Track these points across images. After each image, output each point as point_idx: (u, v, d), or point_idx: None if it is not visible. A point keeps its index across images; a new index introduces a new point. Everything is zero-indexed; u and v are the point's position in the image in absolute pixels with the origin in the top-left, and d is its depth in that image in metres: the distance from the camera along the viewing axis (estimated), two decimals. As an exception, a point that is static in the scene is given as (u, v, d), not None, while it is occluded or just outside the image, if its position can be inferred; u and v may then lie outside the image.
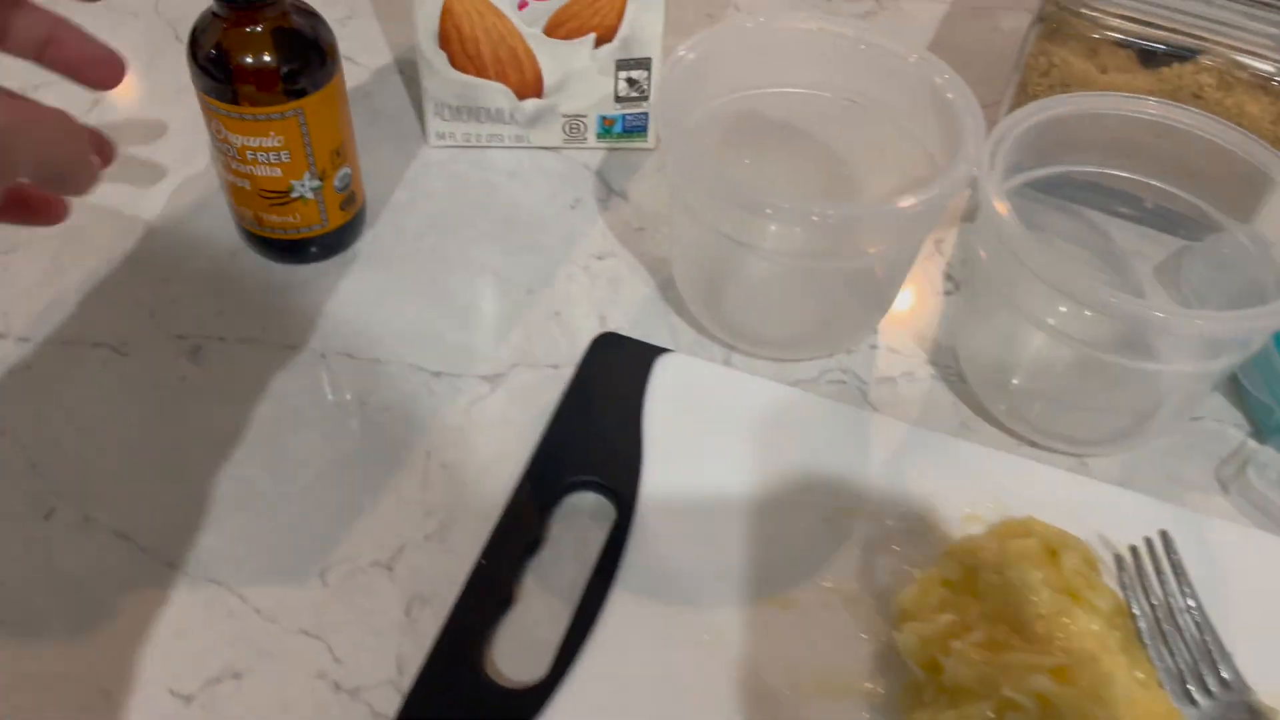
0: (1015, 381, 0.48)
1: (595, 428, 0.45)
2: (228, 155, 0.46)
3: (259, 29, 0.43)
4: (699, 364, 0.48)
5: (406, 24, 0.66)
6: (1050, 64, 0.52)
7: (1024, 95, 0.54)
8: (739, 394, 0.47)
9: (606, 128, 0.57)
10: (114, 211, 0.53)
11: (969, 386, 0.49)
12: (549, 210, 0.56)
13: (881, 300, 0.48)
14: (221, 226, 0.53)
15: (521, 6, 0.51)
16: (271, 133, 0.45)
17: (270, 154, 0.46)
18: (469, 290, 0.51)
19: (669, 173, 0.47)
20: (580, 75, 0.54)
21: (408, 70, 0.63)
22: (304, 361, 0.48)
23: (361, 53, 0.64)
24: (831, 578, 0.41)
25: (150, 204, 0.54)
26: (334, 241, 0.51)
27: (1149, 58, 0.52)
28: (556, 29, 0.52)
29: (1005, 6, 0.72)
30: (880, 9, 0.70)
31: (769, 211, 0.40)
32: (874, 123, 0.49)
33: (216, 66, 0.44)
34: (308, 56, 0.45)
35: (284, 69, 0.44)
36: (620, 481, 0.43)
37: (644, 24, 0.53)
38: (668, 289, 0.52)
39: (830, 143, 0.51)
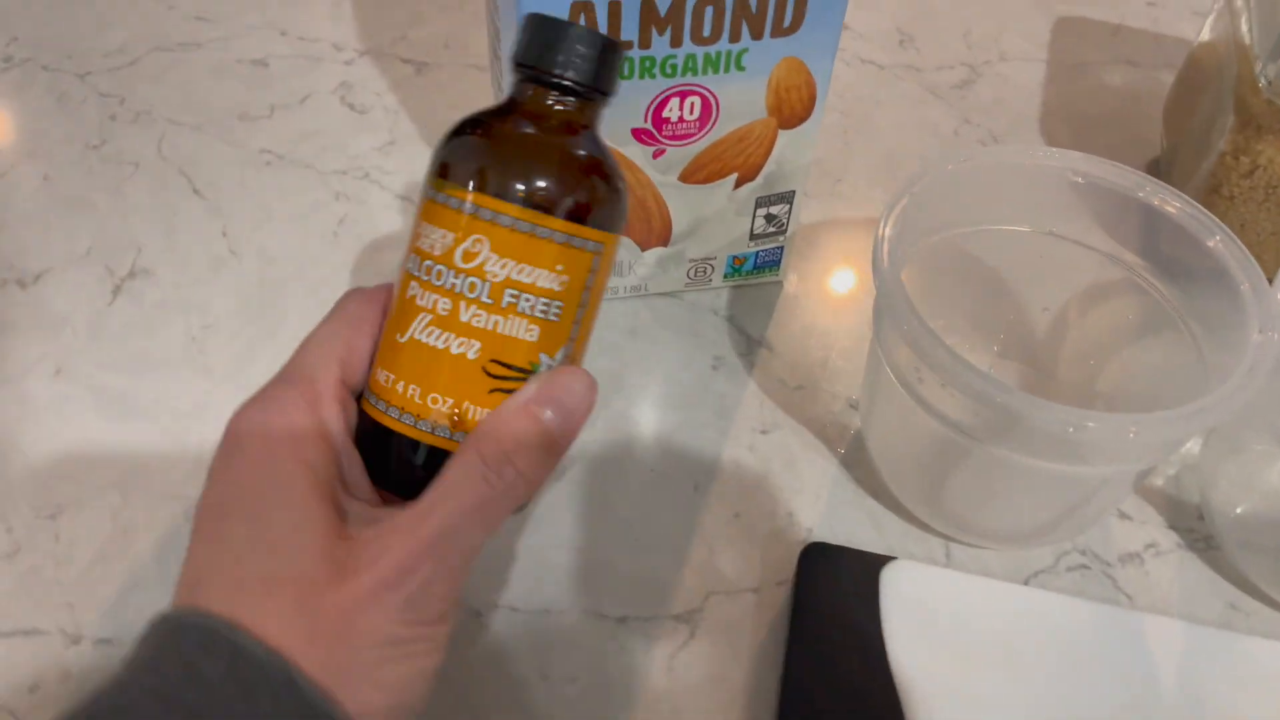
0: (1275, 540, 0.42)
1: (837, 680, 0.37)
2: (461, 295, 0.29)
3: (579, 135, 0.31)
4: (931, 573, 0.40)
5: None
6: (1254, 164, 0.46)
7: (1217, 197, 0.48)
8: (988, 608, 0.40)
9: (736, 267, 0.49)
10: (173, 441, 0.44)
11: (1223, 554, 0.43)
12: (688, 375, 0.48)
13: (1134, 488, 0.41)
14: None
15: (657, 155, 0.43)
16: (559, 266, 0.29)
17: (540, 300, 0.29)
18: (627, 498, 0.43)
19: (881, 346, 0.39)
20: (714, 218, 0.46)
21: (477, 206, 0.54)
22: (459, 622, 0.39)
23: (416, 189, 0.55)
24: None
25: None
26: None
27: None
28: (695, 174, 0.44)
29: (1102, 60, 0.65)
30: (977, 76, 0.63)
31: (1074, 431, 0.33)
32: (1086, 263, 0.42)
33: (518, 149, 0.30)
34: (615, 189, 0.31)
35: (601, 187, 0.30)
36: (886, 751, 0.36)
37: (793, 155, 0.45)
38: (855, 466, 0.45)
39: (1030, 285, 0.44)
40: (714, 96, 0.41)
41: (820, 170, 0.57)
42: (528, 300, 0.29)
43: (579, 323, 0.31)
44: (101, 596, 0.39)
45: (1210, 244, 0.38)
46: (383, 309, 0.31)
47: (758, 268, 0.50)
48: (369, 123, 0.58)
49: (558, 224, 0.29)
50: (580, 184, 0.30)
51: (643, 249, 0.47)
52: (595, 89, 0.30)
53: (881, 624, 0.39)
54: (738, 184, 0.45)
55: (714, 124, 0.42)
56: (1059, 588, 0.41)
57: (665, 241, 0.47)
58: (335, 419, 0.30)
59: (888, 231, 0.38)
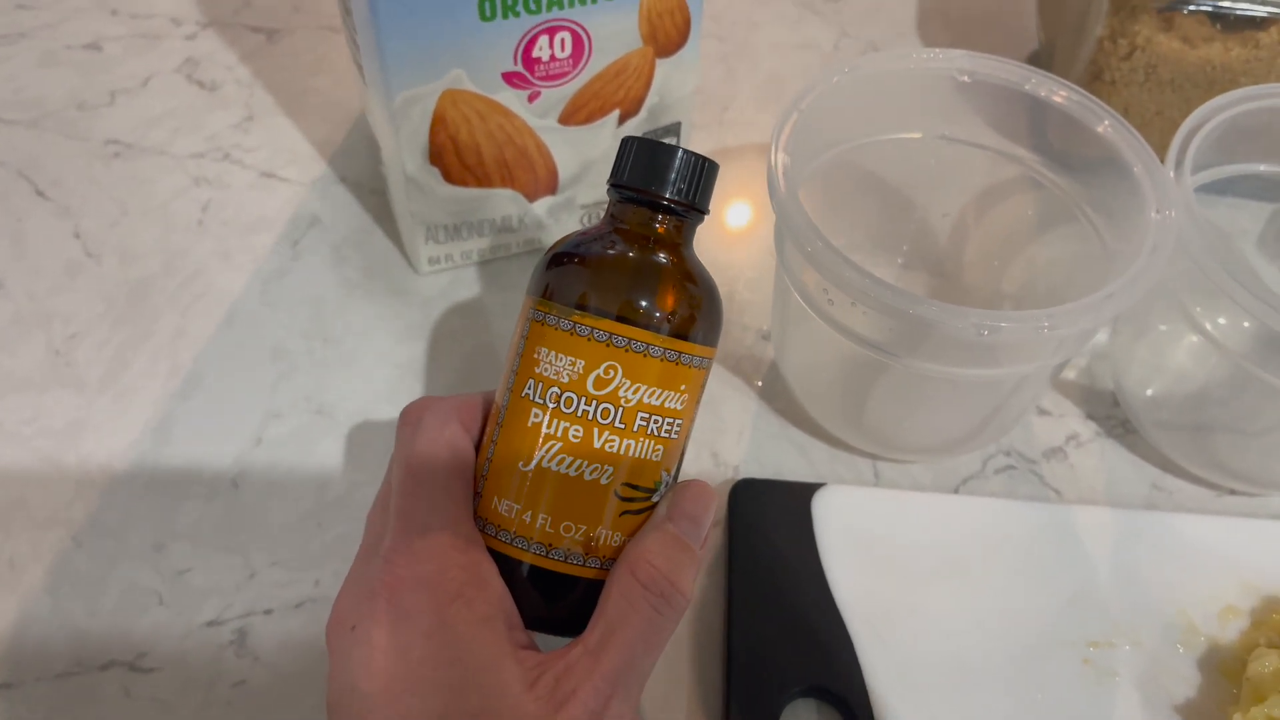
0: (1188, 417, 0.42)
1: (781, 612, 0.37)
2: (595, 421, 0.28)
3: (688, 255, 0.31)
4: (862, 494, 0.40)
5: (328, 121, 0.54)
6: (1133, 45, 0.46)
7: (1100, 83, 0.48)
8: (921, 521, 0.39)
9: (630, 208, 0.48)
10: (50, 464, 0.41)
11: (1141, 437, 0.43)
12: (595, 326, 0.46)
13: (1051, 383, 0.41)
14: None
15: (533, 99, 0.40)
16: (682, 386, 0.30)
17: (666, 420, 0.29)
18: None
19: (786, 271, 0.38)
20: (601, 160, 0.44)
21: (350, 176, 0.51)
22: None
23: (286, 165, 0.52)
24: (1123, 737, 0.35)
25: (87, 441, 0.41)
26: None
27: (1228, 23, 0.46)
28: (575, 114, 0.42)
29: (971, -42, 0.65)
30: (851, -13, 0.62)
31: (989, 334, 0.32)
32: (981, 163, 0.42)
33: (650, 277, 0.29)
34: (719, 303, 0.31)
35: (715, 305, 0.31)
36: (839, 679, 0.35)
37: (675, 86, 0.43)
38: (774, 398, 0.44)
39: (928, 192, 0.44)
40: (584, 30, 0.39)
41: (705, 100, 0.55)
42: (657, 422, 0.29)
43: (689, 435, 0.31)
44: (-10, 641, 0.36)
45: (1100, 130, 0.38)
46: (473, 435, 0.30)
47: (652, 206, 0.48)
48: (221, 99, 0.55)
49: (687, 348, 0.29)
50: (701, 306, 0.30)
51: (530, 200, 0.45)
52: (700, 210, 0.31)
53: (818, 551, 0.38)
54: (621, 120, 0.43)
55: (588, 59, 0.40)
56: (989, 491, 0.41)
57: (553, 190, 0.45)
58: (489, 564, 0.28)
59: (780, 152, 0.36)
